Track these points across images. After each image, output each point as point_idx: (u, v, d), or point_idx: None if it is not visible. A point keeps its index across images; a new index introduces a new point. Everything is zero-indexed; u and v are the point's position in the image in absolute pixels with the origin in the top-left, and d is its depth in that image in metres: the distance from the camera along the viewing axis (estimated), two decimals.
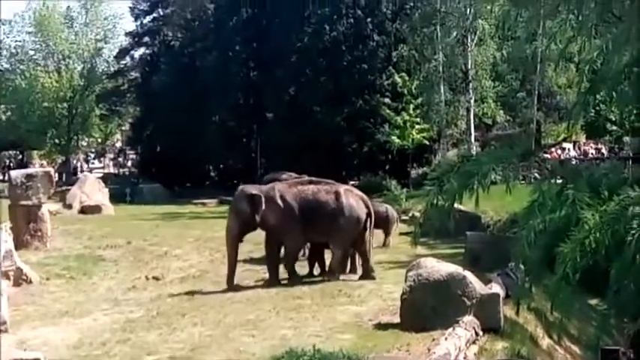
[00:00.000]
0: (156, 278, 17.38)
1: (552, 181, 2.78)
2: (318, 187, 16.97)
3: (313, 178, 18.26)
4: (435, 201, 2.43)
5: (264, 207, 16.19)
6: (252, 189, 16.77)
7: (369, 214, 16.89)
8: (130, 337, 12.04)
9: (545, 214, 2.44)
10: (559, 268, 2.49)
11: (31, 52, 54.54)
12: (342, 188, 17.27)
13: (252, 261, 18.53)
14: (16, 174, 21.51)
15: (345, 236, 16.48)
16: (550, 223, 2.49)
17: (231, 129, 45.80)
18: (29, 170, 24.01)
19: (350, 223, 16.49)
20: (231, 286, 15.78)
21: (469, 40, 35.44)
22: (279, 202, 16.35)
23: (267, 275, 16.62)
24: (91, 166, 64.46)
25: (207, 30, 47.61)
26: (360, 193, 17.87)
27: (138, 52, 54.76)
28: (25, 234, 20.05)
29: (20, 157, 57.78)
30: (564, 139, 43.61)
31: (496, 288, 12.61)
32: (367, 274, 16.59)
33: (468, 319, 11.25)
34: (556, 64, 27.06)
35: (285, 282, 16.34)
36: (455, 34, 35.91)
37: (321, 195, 16.67)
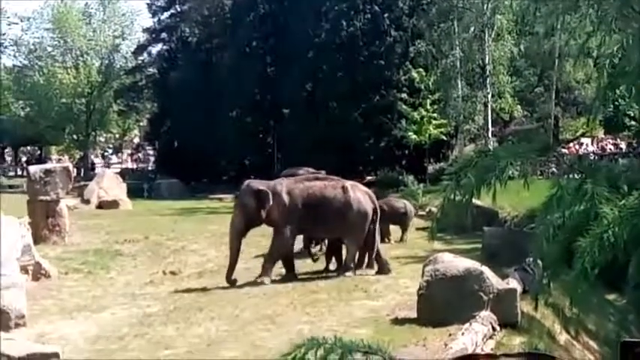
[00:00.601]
0: (173, 273, 17.43)
1: (571, 176, 2.77)
2: (324, 183, 16.85)
3: (319, 174, 18.23)
4: (452, 196, 2.43)
5: (271, 202, 16.04)
6: (259, 184, 16.62)
7: (375, 209, 16.88)
8: (147, 331, 12.09)
9: (564, 209, 2.43)
10: (577, 262, 2.49)
11: (50, 49, 54.84)
12: (348, 183, 17.16)
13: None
14: (35, 169, 21.64)
15: (357, 231, 16.42)
16: (569, 218, 2.48)
17: (247, 125, 45.85)
18: (48, 165, 24.18)
19: (359, 217, 16.46)
20: (230, 282, 15.62)
21: (487, 35, 35.28)
22: (286, 198, 16.22)
23: (283, 270, 16.64)
24: (108, 161, 64.75)
25: (225, 26, 47.67)
26: (365, 188, 17.86)
27: (155, 48, 55.03)
28: (44, 229, 20.17)
29: (38, 152, 58.09)
30: (582, 134, 43.38)
31: (513, 283, 12.57)
32: (383, 268, 16.60)
33: (485, 314, 11.23)
34: (575, 59, 26.90)
35: (296, 276, 16.31)
36: (472, 29, 35.75)
37: (328, 191, 16.57)
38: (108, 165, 58.40)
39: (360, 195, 16.87)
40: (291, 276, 16.24)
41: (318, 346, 2.55)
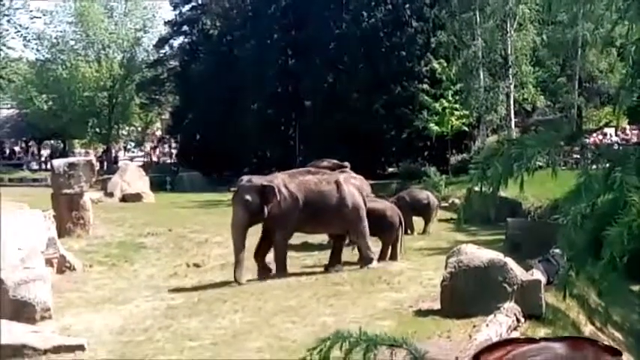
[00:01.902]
0: (196, 265, 17.49)
1: (599, 165, 2.74)
2: (318, 178, 16.66)
3: (311, 168, 18.01)
4: (478, 185, 2.41)
5: (278, 198, 15.75)
6: (260, 179, 16.35)
7: (365, 202, 16.86)
8: (171, 323, 12.15)
9: (592, 198, 2.41)
10: (606, 252, 2.47)
11: (72, 42, 55.04)
12: (340, 177, 17.06)
13: (291, 247, 18.60)
14: (59, 163, 21.76)
15: (357, 223, 16.34)
16: (597, 207, 2.46)
17: (269, 117, 45.90)
18: (71, 159, 24.30)
19: (355, 211, 16.37)
20: (240, 280, 15.31)
21: (508, 26, 35.08)
22: (285, 192, 15.97)
23: (306, 262, 16.66)
24: (131, 154, 65.01)
25: (246, 18, 47.72)
26: (355, 181, 17.82)
27: (177, 41, 55.12)
28: (68, 222, 20.29)
29: (62, 146, 58.43)
30: (606, 124, 43.10)
31: (537, 274, 12.51)
32: (368, 260, 16.53)
33: (509, 305, 11.19)
34: (601, 47, 26.66)
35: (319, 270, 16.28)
36: (494, 19, 35.54)
37: (324, 186, 16.38)
38: (131, 158, 58.64)
39: (353, 189, 16.81)
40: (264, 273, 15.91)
41: (343, 340, 2.54)
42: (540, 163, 2.55)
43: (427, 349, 2.90)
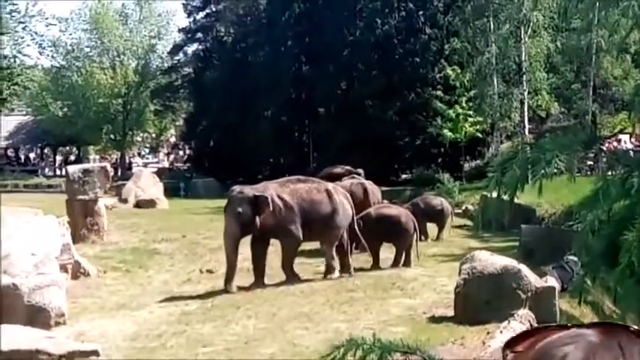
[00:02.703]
0: (210, 271, 17.48)
1: (615, 171, 2.73)
2: (309, 186, 16.49)
3: (300, 177, 17.72)
4: (495, 189, 2.40)
5: (271, 208, 15.38)
6: (253, 190, 15.87)
7: (353, 212, 16.77)
8: (185, 329, 12.17)
9: (609, 204, 2.40)
10: (623, 257, 2.46)
11: (87, 49, 55.30)
12: (330, 186, 16.90)
13: (304, 254, 18.61)
14: (74, 169, 21.87)
15: (337, 235, 16.20)
16: (614, 213, 2.45)
17: (283, 124, 45.99)
18: (86, 165, 24.41)
19: (344, 221, 16.28)
20: (231, 290, 15.10)
21: (523, 32, 35.01)
22: (279, 202, 15.65)
23: (320, 268, 16.65)
24: (145, 160, 65.19)
25: (259, 25, 47.84)
26: (344, 190, 17.66)
27: (191, 48, 55.29)
28: (83, 228, 20.37)
29: (77, 152, 58.67)
30: (621, 131, 42.90)
31: (551, 281, 12.48)
32: (348, 269, 16.38)
33: (523, 312, 11.15)
34: (617, 54, 26.57)
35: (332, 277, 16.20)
36: (508, 25, 35.49)
37: (315, 194, 16.20)
38: (145, 164, 58.80)
39: (343, 198, 16.72)
40: (261, 283, 15.65)
41: (357, 347, 2.54)
42: (562, 167, 2.55)
43: (441, 356, 2.90)
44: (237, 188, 16.30)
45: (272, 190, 15.85)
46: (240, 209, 15.35)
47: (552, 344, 1.25)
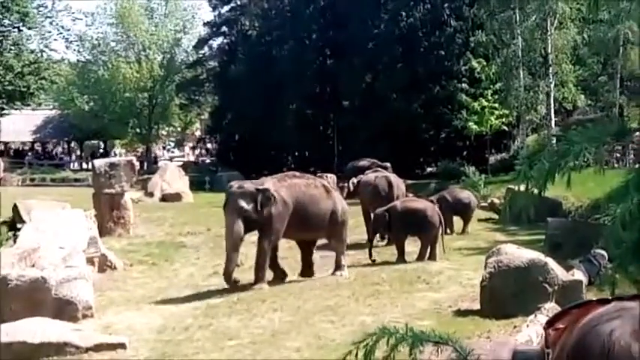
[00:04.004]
0: (236, 265, 17.52)
1: None
2: (306, 182, 16.13)
3: (296, 173, 17.41)
4: (523, 182, 2.38)
5: (274, 203, 15.06)
6: (252, 185, 15.53)
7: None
8: (211, 322, 12.22)
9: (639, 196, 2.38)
10: None
11: (113, 44, 55.60)
12: (325, 182, 16.79)
13: (329, 247, 18.60)
14: (100, 163, 22.03)
15: (342, 230, 16.03)
16: None
17: (307, 117, 46.00)
18: (112, 159, 24.56)
19: (343, 217, 16.06)
20: (230, 283, 14.93)
21: (549, 24, 34.74)
22: (278, 198, 15.23)
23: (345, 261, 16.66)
24: (170, 154, 65.48)
25: (284, 19, 47.82)
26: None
27: (216, 42, 55.37)
28: (109, 221, 20.52)
29: (103, 146, 59.06)
30: None
31: (578, 274, 12.40)
32: (341, 267, 16.02)
33: (550, 305, 11.08)
34: None
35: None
36: (534, 17, 35.24)
37: (312, 190, 15.88)
38: (170, 158, 59.07)
39: (339, 194, 16.62)
40: (280, 276, 15.54)
41: (390, 336, 2.54)
42: (590, 159, 2.52)
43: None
44: (235, 184, 15.95)
45: (271, 184, 15.48)
46: (242, 205, 14.91)
47: (597, 320, 1.23)
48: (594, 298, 1.33)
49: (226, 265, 15.12)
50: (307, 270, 16.01)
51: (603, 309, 1.23)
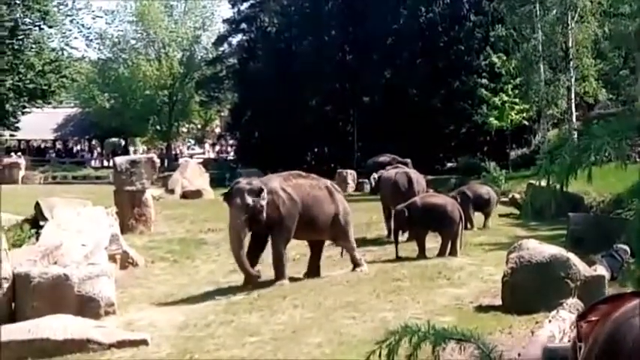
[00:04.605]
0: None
1: None
2: (310, 182, 15.80)
3: (301, 172, 16.95)
4: (545, 177, 2.37)
5: (279, 202, 14.77)
6: (259, 182, 15.13)
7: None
8: (232, 318, 12.23)
9: None
10: None
11: (133, 41, 55.94)
12: (328, 182, 16.42)
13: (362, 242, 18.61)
14: (121, 160, 22.12)
15: (348, 231, 15.81)
16: None
17: (327, 113, 46.02)
18: (133, 157, 24.66)
19: (345, 217, 15.81)
20: (251, 281, 14.77)
21: (569, 18, 34.53)
22: (284, 196, 14.96)
23: (365, 257, 16.62)
24: (191, 151, 65.70)
25: (303, 15, 47.84)
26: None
27: (235, 39, 55.61)
28: (130, 218, 20.60)
29: (123, 143, 59.35)
30: None
31: (601, 270, 12.32)
32: (359, 264, 15.86)
33: (572, 301, 11.02)
34: None
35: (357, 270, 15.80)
36: (554, 11, 35.05)
37: (316, 191, 15.60)
38: (190, 155, 59.27)
39: (341, 195, 16.41)
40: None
41: (412, 334, 2.54)
42: (612, 153, 2.50)
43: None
44: (242, 181, 15.60)
45: (277, 183, 15.20)
46: (247, 202, 14.52)
47: (631, 312, 1.22)
48: (627, 291, 1.32)
49: (239, 265, 14.84)
50: (314, 271, 15.81)
51: (636, 301, 1.23)
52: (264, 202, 14.59)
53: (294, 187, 15.37)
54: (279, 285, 14.78)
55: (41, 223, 17.60)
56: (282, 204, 14.92)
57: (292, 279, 15.32)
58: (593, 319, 1.29)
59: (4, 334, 10.38)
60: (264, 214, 14.64)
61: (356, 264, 15.88)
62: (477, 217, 21.76)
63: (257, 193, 14.68)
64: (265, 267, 16.48)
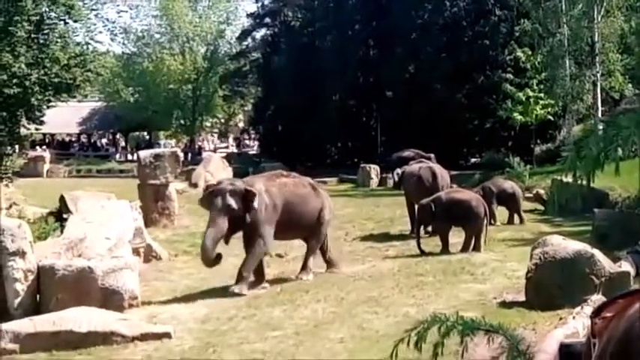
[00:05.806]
0: (279, 256, 17.54)
1: None
2: (294, 181, 15.58)
3: (283, 172, 17.00)
4: (571, 170, 2.34)
5: (262, 203, 14.37)
6: (242, 183, 14.73)
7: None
8: (255, 312, 12.27)
9: None
10: None
11: (157, 36, 56.09)
12: (312, 181, 16.31)
13: (373, 238, 18.58)
14: (145, 154, 22.22)
15: (323, 231, 15.51)
16: None
17: (350, 108, 45.92)
18: (157, 150, 24.77)
19: (329, 216, 15.70)
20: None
21: (595, 12, 34.23)
22: (267, 198, 14.59)
23: (388, 252, 16.60)
24: (214, 145, 65.88)
25: (327, 9, 47.74)
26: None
27: (259, 33, 55.53)
28: (154, 212, 20.69)
29: (147, 137, 59.60)
30: None
31: (626, 266, 12.20)
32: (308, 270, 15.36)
33: (597, 298, 10.94)
34: None
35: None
36: (580, 6, 34.76)
37: (301, 190, 15.39)
38: (214, 149, 59.44)
39: (325, 193, 16.31)
40: (261, 280, 14.73)
41: (441, 324, 2.53)
42: (632, 151, 2.47)
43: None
44: (224, 181, 15.40)
45: (261, 184, 14.84)
46: (230, 204, 14.10)
47: None
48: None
49: (204, 261, 14.40)
50: (329, 265, 15.77)
51: None
52: (255, 205, 14.12)
53: (278, 186, 15.07)
54: (301, 279, 14.79)
55: (65, 216, 17.73)
56: (265, 207, 14.50)
57: (314, 274, 15.34)
58: (608, 315, 1.27)
59: (29, 325, 10.48)
60: (248, 218, 14.22)
61: (303, 267, 15.40)
62: (502, 212, 21.65)
63: (242, 195, 14.22)
64: (287, 262, 16.55)
